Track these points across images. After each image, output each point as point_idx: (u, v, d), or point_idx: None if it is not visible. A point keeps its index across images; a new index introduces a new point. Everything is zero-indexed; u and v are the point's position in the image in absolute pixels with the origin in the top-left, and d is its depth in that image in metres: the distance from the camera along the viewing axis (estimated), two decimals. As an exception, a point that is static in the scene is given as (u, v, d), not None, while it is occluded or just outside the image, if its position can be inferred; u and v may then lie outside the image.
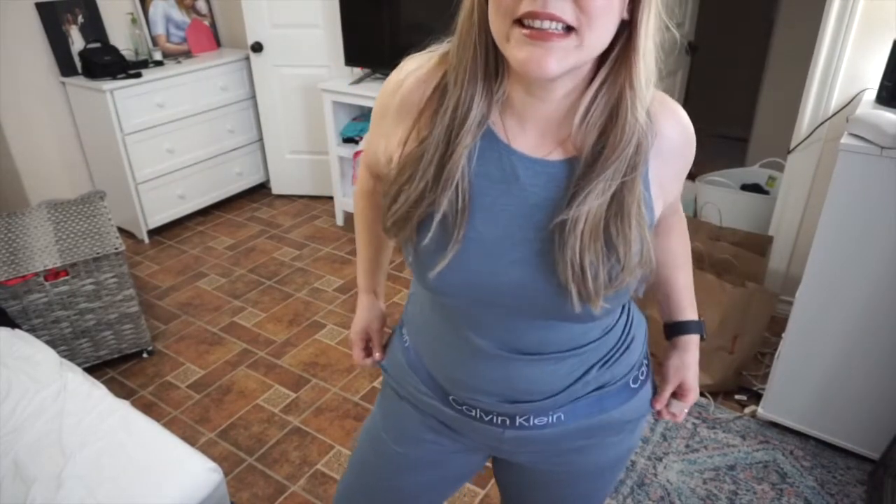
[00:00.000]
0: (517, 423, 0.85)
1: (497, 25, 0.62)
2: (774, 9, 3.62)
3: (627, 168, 0.66)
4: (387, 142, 0.79)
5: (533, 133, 0.70)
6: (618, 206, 0.67)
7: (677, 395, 0.97)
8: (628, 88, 0.64)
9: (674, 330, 0.97)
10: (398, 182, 0.73)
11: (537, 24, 0.59)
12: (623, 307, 0.88)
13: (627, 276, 0.69)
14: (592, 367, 0.83)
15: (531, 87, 0.67)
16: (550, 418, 0.85)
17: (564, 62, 0.61)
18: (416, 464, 0.97)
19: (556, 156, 0.70)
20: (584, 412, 0.85)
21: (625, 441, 0.93)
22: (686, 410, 0.97)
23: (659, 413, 0.96)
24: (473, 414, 0.86)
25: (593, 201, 0.66)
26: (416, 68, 0.75)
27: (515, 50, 0.61)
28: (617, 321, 0.86)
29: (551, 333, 0.78)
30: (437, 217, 0.70)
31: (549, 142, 0.70)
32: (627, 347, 0.87)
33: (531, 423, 0.85)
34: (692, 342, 0.94)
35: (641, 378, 0.91)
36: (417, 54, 0.77)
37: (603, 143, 0.67)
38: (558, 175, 0.70)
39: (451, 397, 0.87)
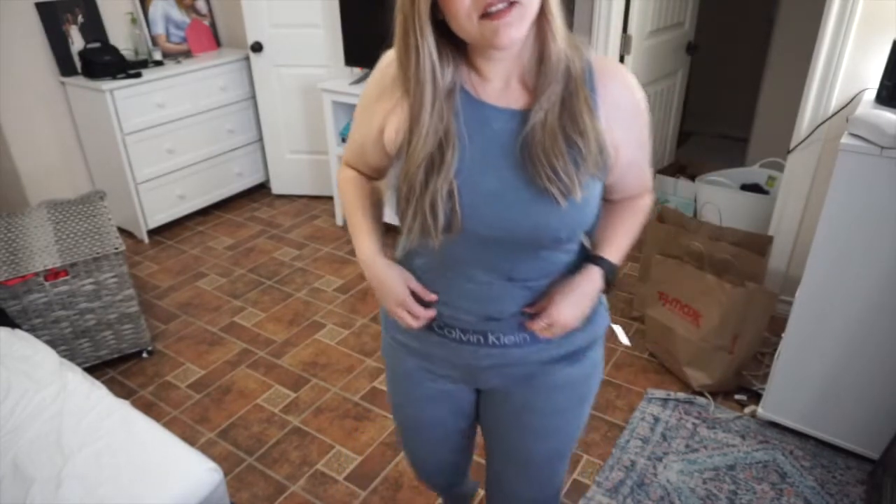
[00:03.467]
0: (489, 341, 1.03)
1: (468, 27, 0.80)
2: (774, 9, 3.62)
3: (563, 83, 0.86)
4: (384, 115, 0.94)
5: (495, 85, 0.89)
6: (568, 113, 0.86)
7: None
8: (547, 28, 0.84)
9: (584, 258, 1.07)
10: (410, 177, 0.88)
11: (493, 8, 0.77)
12: (581, 250, 1.04)
13: (591, 165, 0.87)
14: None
15: (494, 54, 0.86)
16: (517, 337, 1.02)
17: (521, 29, 0.80)
18: (423, 399, 1.18)
19: (515, 101, 0.89)
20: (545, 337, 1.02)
21: (581, 367, 1.10)
22: (549, 333, 1.01)
23: (532, 326, 1.02)
24: (453, 335, 1.04)
25: (539, 114, 0.85)
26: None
27: (490, 34, 0.79)
28: (575, 261, 1.02)
29: (535, 263, 0.97)
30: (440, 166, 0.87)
31: (509, 89, 0.89)
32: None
33: (501, 341, 1.02)
34: (588, 274, 1.01)
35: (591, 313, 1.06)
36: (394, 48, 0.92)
37: (540, 75, 0.87)
38: (518, 117, 0.88)
39: (434, 323, 1.04)
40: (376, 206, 1.10)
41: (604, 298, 1.13)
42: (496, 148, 0.88)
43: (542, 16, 0.83)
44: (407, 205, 0.89)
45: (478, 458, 1.45)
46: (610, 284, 1.03)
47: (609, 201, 1.04)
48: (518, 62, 0.88)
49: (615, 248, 1.03)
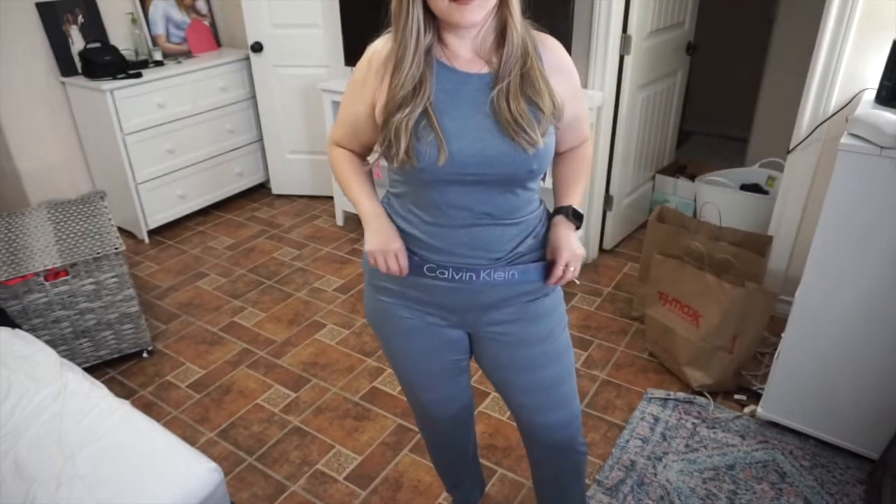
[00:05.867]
0: (481, 277, 1.18)
1: (440, 7, 1.02)
2: (774, 9, 3.62)
3: (521, 59, 1.08)
4: (371, 96, 1.14)
5: (464, 57, 1.11)
6: (528, 80, 1.08)
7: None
8: (509, 17, 1.06)
9: (551, 214, 1.28)
10: (389, 108, 1.08)
11: None
12: (541, 203, 1.26)
13: (549, 118, 1.09)
14: (528, 235, 1.21)
15: (459, 31, 1.07)
16: (507, 274, 1.19)
17: (481, 11, 1.02)
18: (416, 337, 1.31)
19: (482, 69, 1.10)
20: (530, 272, 1.21)
21: (553, 297, 1.30)
22: (571, 268, 1.23)
23: (556, 280, 1.24)
24: (446, 276, 1.19)
25: (504, 82, 1.07)
26: (381, 47, 1.13)
27: (455, 14, 1.01)
28: (538, 209, 1.24)
29: (506, 202, 1.15)
30: (422, 122, 1.07)
31: (476, 59, 1.11)
32: (545, 227, 1.25)
33: (492, 277, 1.18)
34: (560, 221, 1.24)
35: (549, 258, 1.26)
36: (377, 40, 1.14)
37: (504, 52, 1.09)
38: (485, 79, 1.10)
39: (426, 266, 1.19)
40: (369, 174, 1.30)
41: None
42: (470, 102, 1.09)
43: (504, 4, 1.05)
44: (382, 135, 1.10)
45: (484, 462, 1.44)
46: (579, 222, 1.26)
47: (558, 154, 1.27)
48: (481, 40, 1.09)
49: (574, 194, 1.27)
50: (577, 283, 1.27)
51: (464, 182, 1.10)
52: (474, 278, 1.18)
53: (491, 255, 1.18)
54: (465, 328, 1.31)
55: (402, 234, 1.21)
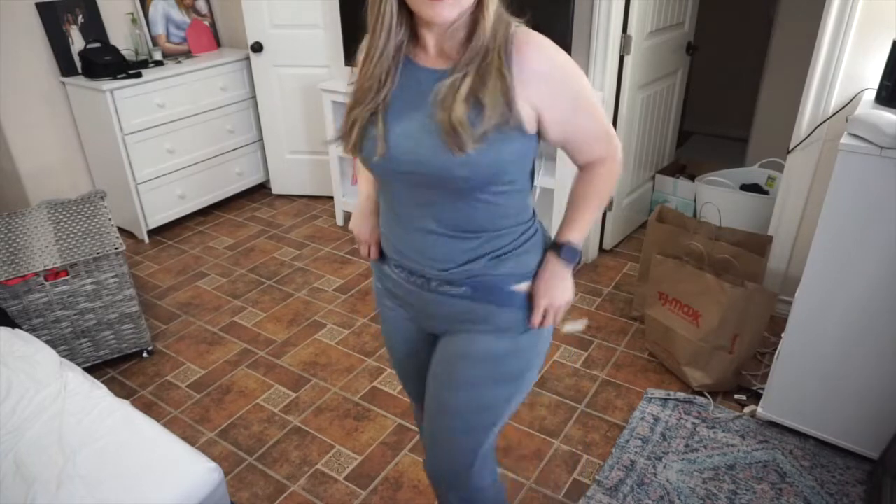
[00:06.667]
0: (432, 287, 1.16)
1: (414, 1, 0.97)
2: (774, 9, 3.62)
3: (483, 55, 1.00)
4: None
5: (432, 54, 1.06)
6: (480, 77, 1.00)
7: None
8: (481, 20, 0.99)
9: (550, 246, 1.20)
10: (354, 99, 1.08)
11: None
12: (528, 223, 1.16)
13: (493, 121, 0.99)
14: (488, 255, 1.12)
15: (431, 27, 1.02)
16: (457, 290, 1.14)
17: (456, 8, 0.96)
18: (394, 328, 1.34)
19: (444, 65, 1.05)
20: (483, 295, 1.14)
21: (500, 342, 1.18)
22: (550, 316, 1.17)
23: (533, 324, 1.17)
24: (405, 276, 1.19)
25: (452, 77, 1.01)
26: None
27: (429, 10, 0.96)
28: (513, 228, 1.13)
29: (458, 212, 1.08)
30: (373, 116, 1.05)
31: (440, 57, 1.05)
32: (519, 255, 1.14)
33: (441, 290, 1.15)
34: (549, 259, 1.16)
35: (521, 299, 1.16)
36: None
37: (467, 49, 1.02)
38: (442, 75, 1.03)
39: (394, 262, 1.20)
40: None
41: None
42: (421, 99, 1.04)
43: (480, 4, 1.00)
44: (343, 121, 1.10)
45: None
46: (573, 262, 1.15)
47: (579, 167, 1.17)
48: (451, 35, 1.03)
49: (577, 224, 1.16)
50: (563, 331, 1.17)
51: (405, 181, 1.08)
52: (426, 285, 1.16)
53: (439, 266, 1.13)
54: (423, 326, 1.27)
55: (385, 233, 1.23)
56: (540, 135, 1.07)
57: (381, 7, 1.01)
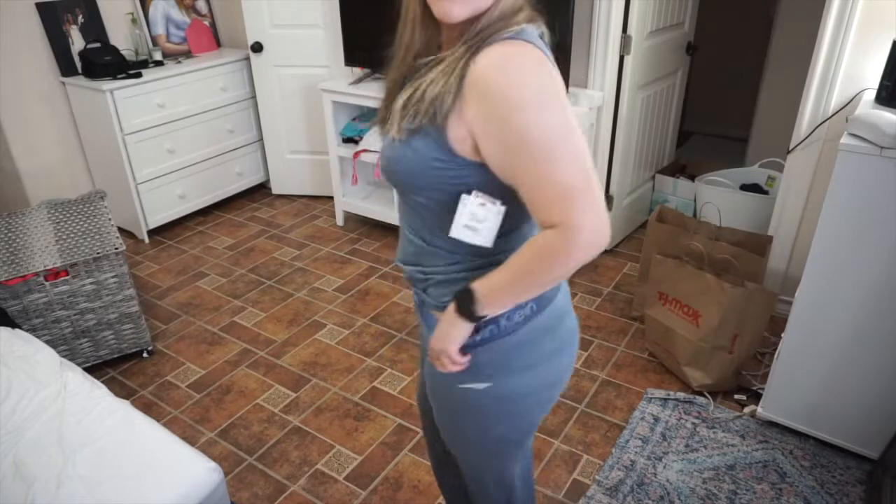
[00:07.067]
0: (423, 312, 1.12)
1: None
2: (774, 9, 3.62)
3: (451, 54, 0.92)
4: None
5: (445, 48, 0.98)
6: (435, 73, 0.92)
7: None
8: (481, 20, 0.91)
9: None
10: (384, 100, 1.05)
11: None
12: (471, 258, 1.02)
13: (415, 114, 0.92)
14: (420, 265, 1.06)
15: (444, 24, 0.94)
16: (433, 319, 1.07)
17: (465, 9, 0.89)
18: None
19: None
20: (421, 311, 1.12)
21: (455, 392, 1.10)
22: (437, 362, 1.05)
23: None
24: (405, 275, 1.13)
25: (433, 59, 0.95)
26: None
27: (438, 7, 0.90)
28: (447, 251, 1.02)
29: (404, 206, 1.05)
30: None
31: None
32: (445, 281, 1.04)
33: (427, 314, 1.10)
34: (449, 308, 1.01)
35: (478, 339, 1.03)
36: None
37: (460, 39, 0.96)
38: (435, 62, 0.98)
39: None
40: None
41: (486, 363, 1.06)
42: None
43: (493, 6, 0.91)
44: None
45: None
46: (466, 311, 0.97)
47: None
48: (458, 32, 0.94)
49: (489, 277, 0.95)
50: (460, 387, 1.05)
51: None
52: (419, 304, 1.12)
53: (399, 256, 1.11)
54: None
55: None
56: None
57: (405, 14, 0.99)
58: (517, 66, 0.85)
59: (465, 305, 0.96)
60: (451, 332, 1.00)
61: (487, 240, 0.95)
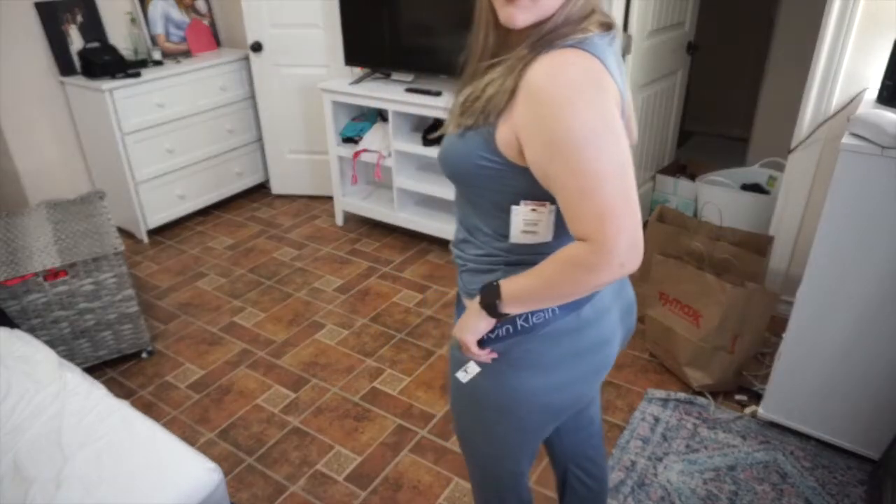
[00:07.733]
0: (461, 303, 1.15)
1: (498, 5, 0.93)
2: (774, 9, 3.62)
3: (514, 57, 0.93)
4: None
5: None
6: (495, 74, 0.94)
7: None
8: (544, 26, 0.92)
9: None
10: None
11: None
12: (508, 250, 1.03)
13: (471, 112, 0.95)
14: (462, 246, 1.10)
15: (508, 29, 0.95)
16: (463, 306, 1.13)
17: (529, 15, 0.90)
18: None
19: None
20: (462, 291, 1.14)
21: (457, 379, 1.13)
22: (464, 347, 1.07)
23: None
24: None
25: (496, 60, 0.96)
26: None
27: (502, 12, 0.93)
28: (485, 246, 1.05)
29: (467, 208, 1.07)
30: None
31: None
32: (478, 271, 1.07)
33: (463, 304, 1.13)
34: (475, 299, 1.04)
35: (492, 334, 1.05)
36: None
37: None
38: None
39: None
40: None
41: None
42: None
43: (559, 12, 0.91)
44: None
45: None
46: (489, 304, 0.99)
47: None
48: (525, 37, 0.94)
49: (515, 279, 0.97)
50: (462, 379, 1.06)
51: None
52: (458, 281, 1.16)
53: (457, 261, 1.15)
54: None
55: None
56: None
57: (478, 16, 1.00)
58: (567, 74, 0.85)
59: (489, 299, 0.99)
60: (471, 323, 1.03)
61: (547, 236, 0.99)
